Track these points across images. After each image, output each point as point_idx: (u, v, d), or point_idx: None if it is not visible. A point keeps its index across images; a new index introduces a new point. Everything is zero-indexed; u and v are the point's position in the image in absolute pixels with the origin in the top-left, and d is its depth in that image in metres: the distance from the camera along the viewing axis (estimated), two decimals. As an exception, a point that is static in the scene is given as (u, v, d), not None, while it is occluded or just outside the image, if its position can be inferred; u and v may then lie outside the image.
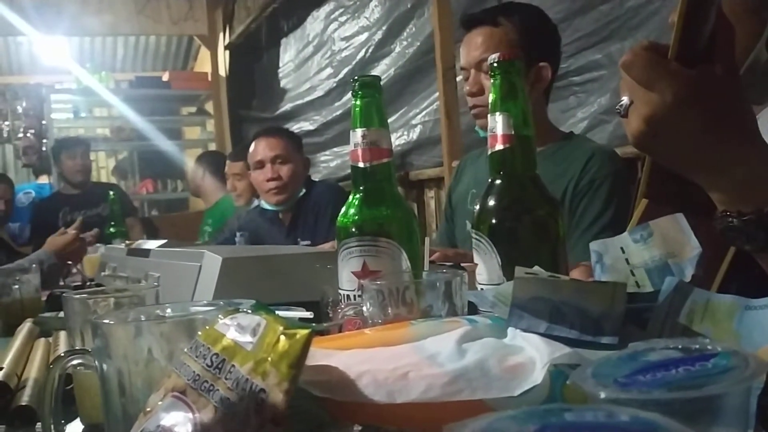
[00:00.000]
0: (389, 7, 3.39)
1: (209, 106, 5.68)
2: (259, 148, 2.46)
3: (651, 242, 0.61)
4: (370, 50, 3.53)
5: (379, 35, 3.47)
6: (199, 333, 0.51)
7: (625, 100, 0.63)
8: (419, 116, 3.23)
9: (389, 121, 2.96)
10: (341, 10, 3.84)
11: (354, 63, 3.65)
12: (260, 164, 2.44)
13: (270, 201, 2.46)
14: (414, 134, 3.26)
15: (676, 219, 0.61)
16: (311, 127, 4.19)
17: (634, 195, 0.75)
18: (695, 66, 0.61)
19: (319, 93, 4.13)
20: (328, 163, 4.06)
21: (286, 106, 4.54)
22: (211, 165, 3.72)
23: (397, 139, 3.33)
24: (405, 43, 3.29)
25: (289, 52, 4.57)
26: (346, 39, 3.79)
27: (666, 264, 0.60)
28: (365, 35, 3.60)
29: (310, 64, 4.28)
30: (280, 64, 4.68)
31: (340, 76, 3.83)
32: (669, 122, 0.60)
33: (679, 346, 0.42)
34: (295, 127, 4.28)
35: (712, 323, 0.52)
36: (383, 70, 3.40)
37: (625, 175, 1.55)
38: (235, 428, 0.43)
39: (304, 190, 2.47)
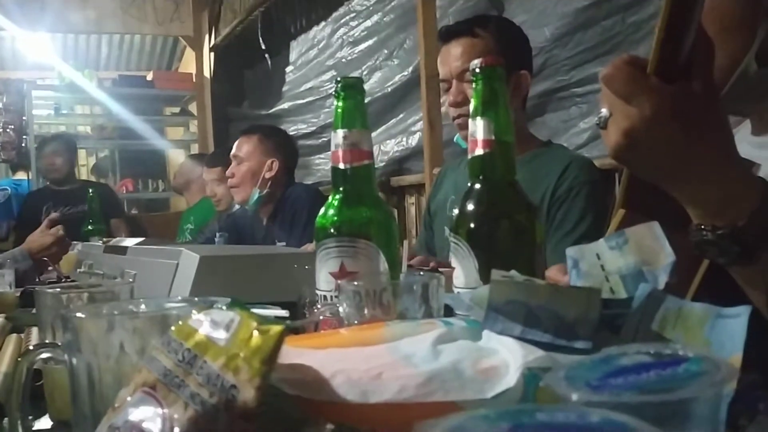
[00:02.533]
0: (402, 16, 3.37)
1: (193, 107, 5.65)
2: (247, 148, 2.48)
3: (626, 249, 0.61)
4: (380, 59, 3.52)
5: (389, 42, 3.45)
6: (172, 328, 0.50)
7: (604, 112, 0.64)
8: (419, 123, 3.22)
9: (389, 126, 2.93)
10: (352, 15, 3.83)
11: (363, 68, 3.62)
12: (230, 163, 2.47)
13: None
14: (413, 140, 3.25)
15: (651, 227, 0.62)
16: (308, 130, 4.15)
17: (612, 205, 0.75)
18: (674, 81, 0.61)
19: (319, 95, 4.11)
20: (323, 165, 4.04)
21: (284, 104, 4.51)
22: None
23: (396, 145, 3.32)
24: (412, 52, 3.28)
25: (292, 54, 4.55)
26: (353, 43, 3.77)
27: (640, 271, 0.60)
28: (373, 40, 3.58)
29: (312, 66, 4.25)
30: (282, 65, 4.64)
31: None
32: (647, 136, 0.61)
33: (651, 351, 0.42)
34: (292, 128, 4.26)
35: (684, 330, 0.53)
36: (388, 77, 3.40)
37: (602, 183, 1.57)
38: (205, 424, 0.42)
39: (263, 191, 2.42)
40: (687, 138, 0.61)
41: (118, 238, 1.73)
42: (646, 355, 0.42)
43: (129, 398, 0.46)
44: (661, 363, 0.40)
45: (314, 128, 4.10)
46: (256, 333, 0.44)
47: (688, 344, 0.51)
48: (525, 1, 2.46)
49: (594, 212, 1.48)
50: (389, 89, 3.32)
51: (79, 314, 0.54)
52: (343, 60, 3.86)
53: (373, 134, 3.43)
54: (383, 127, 3.39)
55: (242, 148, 2.46)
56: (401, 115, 3.36)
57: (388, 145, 3.36)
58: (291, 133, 4.21)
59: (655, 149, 0.62)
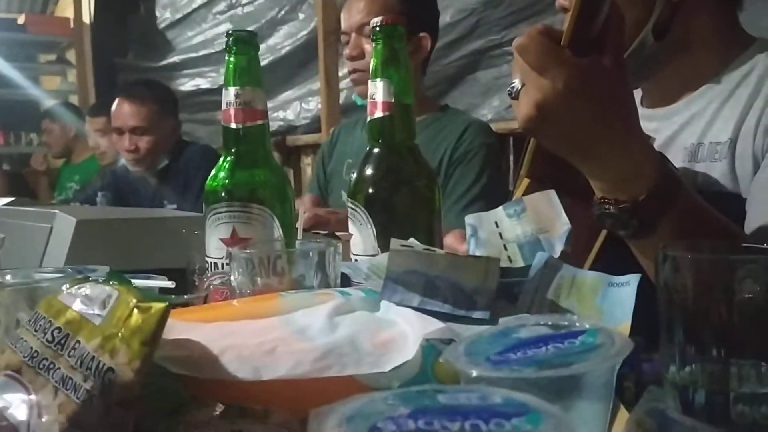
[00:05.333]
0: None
1: (71, 55, 5.26)
2: (119, 114, 2.30)
3: (524, 217, 0.62)
4: (283, 11, 3.36)
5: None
6: (40, 304, 0.45)
7: (516, 83, 0.64)
8: (344, 81, 3.13)
9: (310, 82, 2.77)
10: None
11: (263, 21, 3.43)
12: (119, 131, 2.29)
13: (129, 167, 2.33)
14: (339, 98, 3.16)
15: (548, 195, 0.63)
16: (209, 86, 3.94)
17: (517, 174, 0.76)
18: (586, 54, 0.61)
19: (216, 48, 3.90)
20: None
21: (174, 58, 4.25)
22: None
23: (319, 104, 3.23)
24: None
25: (172, 2, 4.28)
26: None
27: (537, 239, 0.61)
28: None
29: (200, 16, 4.01)
30: (160, 14, 4.37)
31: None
32: (558, 110, 0.61)
33: (549, 323, 0.42)
34: (189, 83, 4.03)
35: (578, 298, 0.54)
36: (292, 32, 3.26)
37: (497, 148, 1.60)
38: (78, 411, 0.38)
39: (167, 161, 2.33)
40: (596, 113, 0.62)
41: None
42: (544, 327, 0.42)
43: (-11, 384, 0.42)
44: (558, 335, 0.41)
45: (216, 84, 3.89)
46: (135, 311, 0.40)
47: (582, 312, 0.52)
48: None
49: (488, 175, 1.52)
50: (299, 44, 3.20)
51: (-70, 288, 0.48)
52: (239, 12, 3.69)
53: (292, 91, 3.32)
54: (305, 82, 3.27)
55: (140, 117, 2.27)
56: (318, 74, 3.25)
57: (310, 102, 3.25)
58: (191, 89, 4.01)
59: (564, 123, 0.62)
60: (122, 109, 2.30)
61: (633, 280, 0.53)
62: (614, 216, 0.64)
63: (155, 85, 2.54)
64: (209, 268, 0.73)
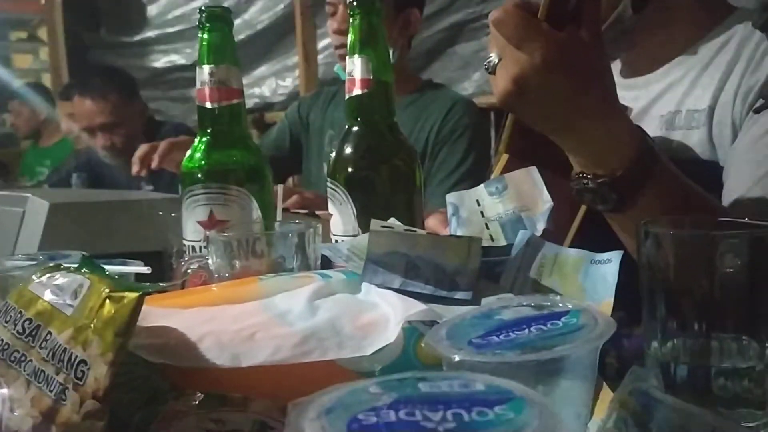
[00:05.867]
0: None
1: (42, 33, 5.13)
2: (83, 114, 2.23)
3: (506, 195, 0.61)
4: None
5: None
6: (11, 294, 0.44)
7: (493, 57, 0.62)
8: (320, 56, 3.08)
9: (286, 57, 2.70)
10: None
11: None
12: (89, 130, 2.23)
13: (108, 161, 2.28)
14: (317, 74, 3.11)
15: (530, 172, 0.62)
16: (184, 62, 3.87)
17: (496, 148, 0.75)
18: (563, 27, 0.61)
19: (190, 23, 3.82)
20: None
21: (148, 33, 4.17)
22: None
23: (297, 79, 3.17)
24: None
25: None
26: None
27: (519, 217, 0.60)
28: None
29: None
30: None
31: (223, 6, 3.53)
32: (536, 83, 0.60)
33: (532, 304, 0.42)
34: (164, 59, 3.96)
35: (560, 277, 0.53)
36: (268, 6, 3.20)
37: (483, 125, 1.60)
38: (51, 405, 0.37)
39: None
40: (574, 86, 0.61)
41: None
42: (527, 308, 0.42)
43: (-42, 378, 0.40)
44: (541, 317, 0.40)
45: (192, 60, 3.82)
46: (108, 301, 0.39)
47: (564, 291, 0.52)
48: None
49: (475, 154, 1.51)
50: (275, 19, 3.15)
51: None
52: (215, -14, 3.62)
53: (267, 66, 3.27)
54: (280, 57, 3.22)
55: (106, 112, 2.20)
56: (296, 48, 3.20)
57: (287, 79, 3.21)
58: (165, 65, 3.94)
59: (542, 97, 0.61)
60: (84, 108, 2.23)
61: (615, 257, 0.52)
62: (593, 190, 0.64)
63: (109, 73, 2.46)
64: (187, 252, 0.72)
